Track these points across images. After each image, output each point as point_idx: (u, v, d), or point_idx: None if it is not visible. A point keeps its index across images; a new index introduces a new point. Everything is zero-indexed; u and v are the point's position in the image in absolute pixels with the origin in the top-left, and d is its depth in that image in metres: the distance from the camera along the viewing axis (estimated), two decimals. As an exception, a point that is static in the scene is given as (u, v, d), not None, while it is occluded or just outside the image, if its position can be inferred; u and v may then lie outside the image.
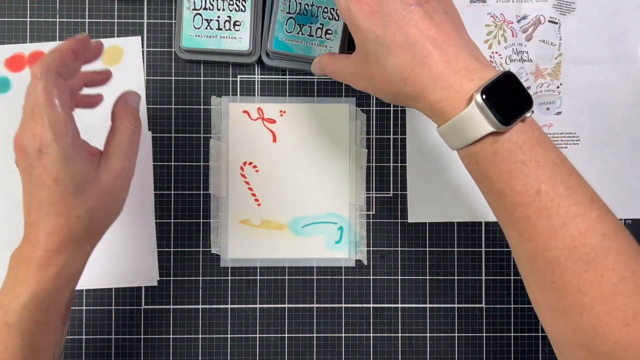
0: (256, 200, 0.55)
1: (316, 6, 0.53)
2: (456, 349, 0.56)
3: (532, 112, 0.38)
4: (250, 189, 0.55)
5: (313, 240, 0.56)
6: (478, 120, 0.37)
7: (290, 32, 0.53)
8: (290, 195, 0.56)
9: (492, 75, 0.37)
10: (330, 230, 0.55)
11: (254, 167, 0.55)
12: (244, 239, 0.55)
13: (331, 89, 0.56)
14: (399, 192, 0.56)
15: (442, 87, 0.38)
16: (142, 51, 0.55)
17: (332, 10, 0.53)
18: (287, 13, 0.53)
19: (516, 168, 0.37)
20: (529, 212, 0.37)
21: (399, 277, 0.56)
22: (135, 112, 0.44)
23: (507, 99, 0.37)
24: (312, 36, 0.53)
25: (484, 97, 0.36)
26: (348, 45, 0.55)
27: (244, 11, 0.52)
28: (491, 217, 0.56)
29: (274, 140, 0.55)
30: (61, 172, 0.38)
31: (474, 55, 0.39)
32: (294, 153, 0.55)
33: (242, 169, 0.55)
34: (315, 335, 0.56)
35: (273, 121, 0.55)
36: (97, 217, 0.41)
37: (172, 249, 0.55)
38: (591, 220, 0.37)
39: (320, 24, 0.53)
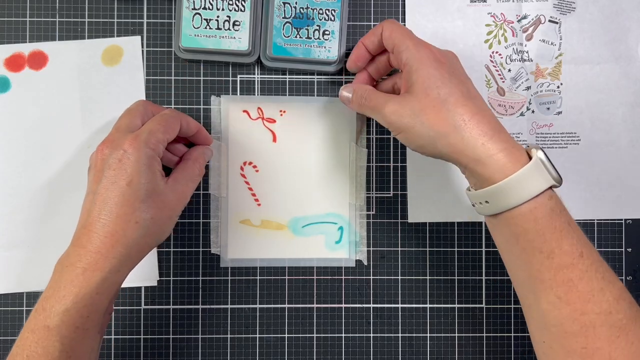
0: (256, 200, 0.55)
1: (311, 8, 0.53)
2: (456, 349, 0.56)
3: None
4: (250, 189, 0.55)
5: (313, 240, 0.55)
6: (542, 174, 0.40)
7: (288, 37, 0.53)
8: (290, 195, 0.55)
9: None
10: (330, 230, 0.55)
11: (254, 167, 0.55)
12: (244, 239, 0.55)
13: (331, 88, 0.56)
14: (399, 192, 0.56)
15: (500, 139, 0.41)
16: (142, 51, 0.55)
17: (327, 11, 0.53)
18: (282, 18, 0.53)
19: (565, 227, 0.39)
20: (572, 275, 0.39)
21: (399, 277, 0.56)
22: (203, 161, 0.50)
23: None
24: (310, 38, 0.53)
25: (543, 154, 0.40)
26: (346, 47, 0.55)
27: (244, 11, 0.52)
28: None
29: (274, 140, 0.55)
30: (136, 176, 0.42)
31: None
32: (294, 153, 0.55)
33: (242, 168, 0.55)
34: (315, 335, 0.56)
35: (273, 121, 0.55)
36: (152, 229, 0.44)
37: (172, 249, 0.55)
38: (621, 289, 0.39)
39: (317, 25, 0.53)
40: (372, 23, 0.56)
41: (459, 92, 0.42)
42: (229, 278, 0.55)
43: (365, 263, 0.56)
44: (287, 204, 0.55)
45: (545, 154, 0.40)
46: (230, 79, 0.55)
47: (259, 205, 0.55)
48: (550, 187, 0.40)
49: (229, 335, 0.55)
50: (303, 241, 0.55)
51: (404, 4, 0.56)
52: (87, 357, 0.43)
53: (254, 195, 0.55)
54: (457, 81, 0.43)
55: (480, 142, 0.40)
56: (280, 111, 0.55)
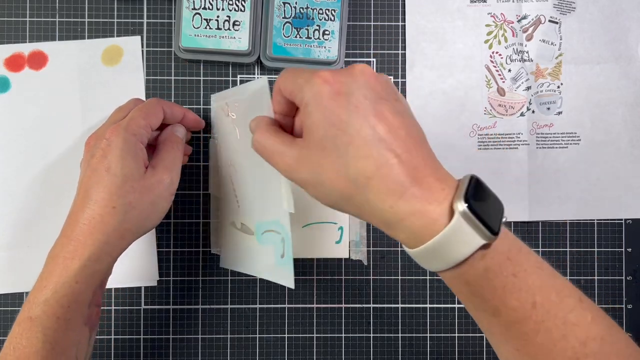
0: (237, 201, 0.52)
1: (311, 8, 0.53)
2: (456, 349, 0.56)
3: (506, 217, 0.35)
4: (234, 189, 0.52)
5: (265, 250, 0.49)
6: (466, 235, 0.32)
7: (288, 37, 0.53)
8: (253, 197, 0.50)
9: (461, 182, 0.33)
10: (276, 241, 0.47)
11: (234, 166, 0.51)
12: (233, 242, 0.53)
13: (331, 88, 0.56)
14: (399, 192, 0.56)
15: (413, 196, 0.33)
16: (142, 51, 0.55)
17: (327, 11, 0.53)
18: (282, 18, 0.53)
19: (509, 282, 0.33)
20: (526, 329, 0.34)
21: (399, 277, 0.56)
22: (176, 138, 0.48)
23: (484, 204, 0.33)
24: (310, 38, 0.53)
25: (467, 206, 0.32)
26: (346, 47, 0.54)
27: (244, 11, 0.52)
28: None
29: (238, 135, 0.50)
30: (115, 161, 0.42)
31: (437, 166, 0.35)
32: (248, 149, 0.43)
33: (228, 167, 0.52)
34: (315, 335, 0.56)
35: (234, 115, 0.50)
36: (131, 215, 0.43)
37: (171, 249, 0.55)
38: (588, 326, 0.34)
39: (317, 25, 0.53)
40: (372, 23, 0.56)
41: (360, 138, 0.33)
42: (229, 278, 0.55)
43: (365, 263, 0.56)
44: (253, 207, 0.50)
45: (471, 206, 0.32)
46: (230, 79, 0.55)
47: (238, 207, 0.52)
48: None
49: (229, 335, 0.55)
50: (260, 250, 0.49)
51: (404, 4, 0.56)
52: (74, 350, 0.42)
53: (235, 196, 0.52)
54: (361, 119, 0.34)
55: (388, 205, 0.33)
56: (235, 104, 0.50)
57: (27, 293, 0.54)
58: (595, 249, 0.56)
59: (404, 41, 0.56)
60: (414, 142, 0.34)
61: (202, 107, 0.55)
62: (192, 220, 0.55)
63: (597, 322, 0.34)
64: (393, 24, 0.56)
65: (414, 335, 0.56)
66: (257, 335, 0.55)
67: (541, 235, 0.56)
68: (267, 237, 0.48)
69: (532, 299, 0.33)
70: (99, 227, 0.42)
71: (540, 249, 0.56)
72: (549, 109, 0.56)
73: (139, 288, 0.55)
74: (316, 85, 0.35)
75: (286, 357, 0.55)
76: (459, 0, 0.56)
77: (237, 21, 0.52)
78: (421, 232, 0.33)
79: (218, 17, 0.52)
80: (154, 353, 0.55)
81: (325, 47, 0.53)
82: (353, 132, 0.33)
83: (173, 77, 0.55)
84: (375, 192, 0.33)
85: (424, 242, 0.33)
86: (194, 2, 0.52)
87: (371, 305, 0.56)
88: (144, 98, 0.55)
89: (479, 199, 0.33)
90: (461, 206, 0.32)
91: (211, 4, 0.52)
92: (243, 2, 0.52)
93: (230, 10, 0.52)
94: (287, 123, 0.41)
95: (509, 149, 0.56)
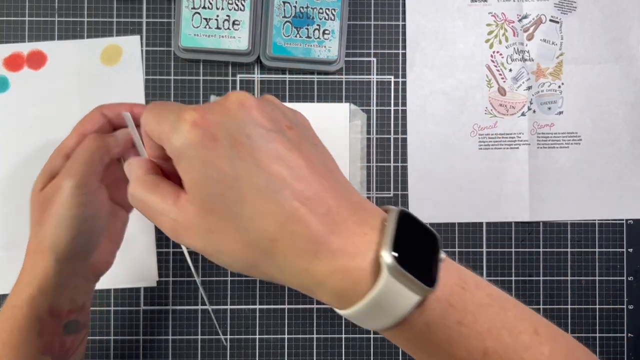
0: None
1: (311, 8, 0.53)
2: (457, 349, 0.56)
3: (443, 256, 0.29)
4: None
5: None
6: (399, 293, 0.27)
7: (288, 36, 0.53)
8: None
9: (386, 222, 0.28)
10: None
11: None
12: None
13: (331, 88, 0.56)
14: (399, 192, 0.56)
15: (330, 252, 0.27)
16: (141, 50, 0.55)
17: (327, 10, 0.53)
18: (282, 17, 0.52)
19: (454, 332, 0.28)
20: None
21: (399, 278, 0.56)
22: (83, 144, 0.42)
23: (417, 247, 0.28)
24: (310, 37, 0.53)
25: (395, 257, 0.26)
26: (346, 47, 0.54)
27: (243, 10, 0.52)
28: (492, 218, 0.56)
29: None
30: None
31: (354, 200, 0.29)
32: None
33: None
34: (315, 336, 0.55)
35: None
36: (36, 230, 0.41)
37: (171, 250, 0.55)
38: None
39: (317, 25, 0.53)
40: (372, 22, 0.56)
41: (253, 191, 0.27)
42: (229, 278, 0.55)
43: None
44: None
45: (401, 257, 0.26)
46: (230, 78, 0.55)
47: None
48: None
49: (228, 336, 0.55)
50: None
51: (405, 4, 0.56)
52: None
53: None
54: (249, 167, 0.27)
55: (302, 267, 0.27)
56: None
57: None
58: (597, 250, 0.56)
59: (404, 41, 0.56)
60: (321, 177, 0.28)
61: (201, 107, 0.55)
62: (191, 221, 0.55)
63: (554, 354, 0.30)
64: (393, 23, 0.56)
65: (414, 335, 0.56)
66: (257, 336, 0.55)
67: (542, 236, 0.56)
68: None
69: (482, 345, 0.29)
70: (28, 249, 0.42)
71: (541, 249, 0.56)
72: (549, 108, 0.56)
73: (138, 289, 0.55)
74: (184, 133, 0.28)
75: (286, 357, 0.55)
76: (460, 0, 0.56)
77: (236, 20, 0.52)
78: (346, 294, 0.27)
79: (218, 16, 0.52)
80: (153, 354, 0.55)
81: (325, 47, 0.53)
82: (243, 186, 0.27)
83: (172, 77, 0.55)
84: (284, 255, 0.27)
85: (352, 304, 0.27)
86: (193, 1, 0.52)
87: (371, 306, 0.56)
88: (143, 98, 0.54)
89: (410, 243, 0.28)
90: (388, 258, 0.26)
91: (211, 4, 0.52)
92: (243, 2, 0.52)
93: (230, 10, 0.52)
94: (169, 166, 0.32)
95: (509, 148, 0.56)
